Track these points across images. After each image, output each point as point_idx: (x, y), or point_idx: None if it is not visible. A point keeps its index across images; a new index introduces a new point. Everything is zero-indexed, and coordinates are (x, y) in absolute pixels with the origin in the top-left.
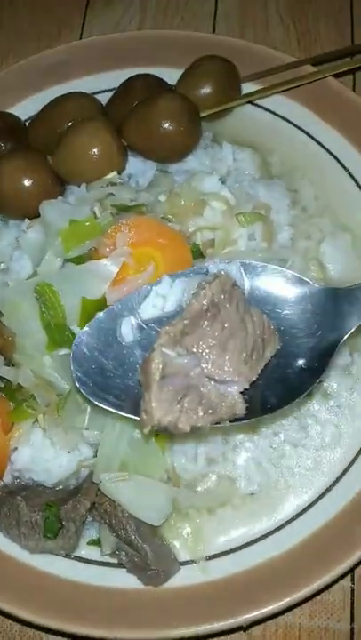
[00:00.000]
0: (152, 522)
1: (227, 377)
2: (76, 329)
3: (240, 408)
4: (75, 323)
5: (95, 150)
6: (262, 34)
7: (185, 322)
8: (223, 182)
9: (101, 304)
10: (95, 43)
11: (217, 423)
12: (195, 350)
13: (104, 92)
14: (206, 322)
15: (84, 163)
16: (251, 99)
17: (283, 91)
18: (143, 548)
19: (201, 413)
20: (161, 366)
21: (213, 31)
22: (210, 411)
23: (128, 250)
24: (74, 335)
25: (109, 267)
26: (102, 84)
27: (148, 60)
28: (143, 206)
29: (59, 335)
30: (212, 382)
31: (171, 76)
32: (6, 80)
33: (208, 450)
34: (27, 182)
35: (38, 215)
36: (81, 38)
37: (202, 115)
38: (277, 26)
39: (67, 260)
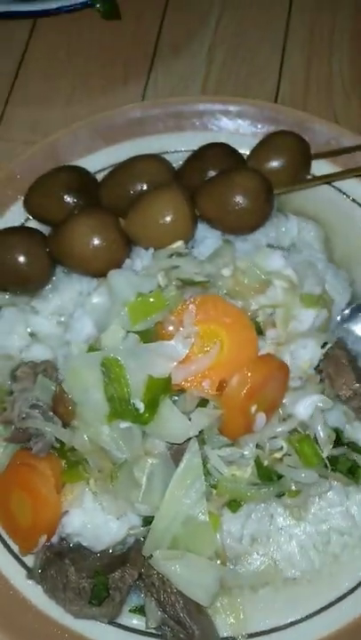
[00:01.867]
0: (202, 601)
1: None
2: (139, 404)
3: None
4: (138, 397)
5: (169, 219)
6: (325, 100)
7: None
8: (286, 258)
9: (166, 383)
10: (167, 104)
11: None
12: None
13: (173, 152)
14: None
15: (157, 229)
16: (327, 180)
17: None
18: (191, 627)
19: None
20: None
21: (278, 90)
22: None
23: (195, 329)
24: (136, 410)
25: (179, 348)
26: (172, 144)
27: (218, 126)
28: (208, 282)
29: (121, 408)
30: None
31: (240, 142)
32: (79, 132)
33: (253, 531)
34: (97, 242)
35: (104, 274)
36: (147, 85)
37: (276, 192)
38: (340, 92)
39: (129, 331)
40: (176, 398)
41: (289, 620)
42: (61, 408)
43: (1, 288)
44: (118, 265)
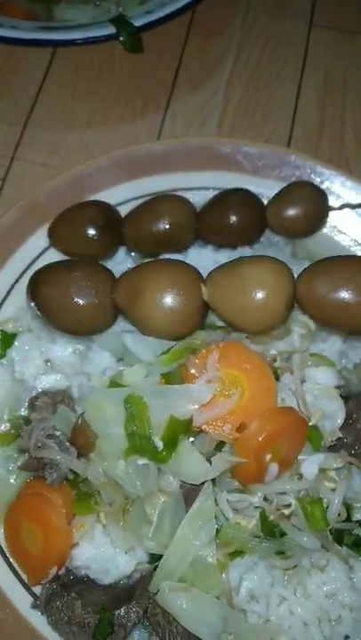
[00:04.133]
0: (206, 638)
1: None
2: (158, 442)
3: None
4: (157, 436)
5: (269, 310)
6: (338, 147)
7: None
8: None
9: (188, 424)
10: (190, 142)
11: None
12: None
13: (192, 189)
14: None
15: (250, 315)
16: None
17: None
18: None
19: None
20: None
21: (291, 133)
22: None
23: (219, 374)
24: (155, 448)
25: (203, 392)
26: (191, 182)
27: (239, 168)
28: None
29: (140, 444)
30: None
31: (258, 185)
32: (102, 164)
33: (253, 586)
34: (175, 308)
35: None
36: (164, 118)
37: None
38: (351, 139)
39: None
40: (192, 439)
41: None
42: (82, 439)
43: (62, 329)
44: (189, 332)
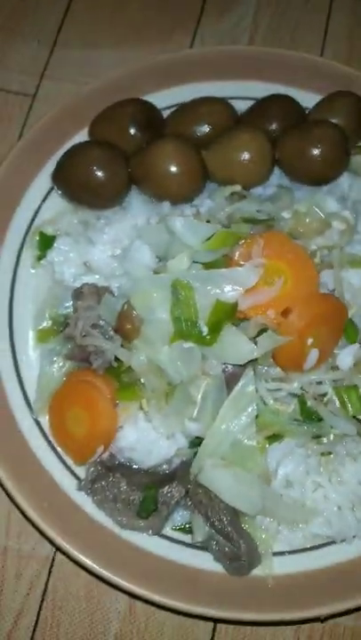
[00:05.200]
0: (248, 511)
1: None
2: (203, 327)
3: None
4: (203, 321)
5: (252, 158)
6: None
7: None
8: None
9: (233, 309)
10: (222, 51)
11: None
12: None
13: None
14: None
15: (237, 166)
16: None
17: None
18: (237, 541)
19: None
20: None
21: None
22: None
23: (263, 261)
24: (200, 332)
25: (250, 275)
26: (226, 90)
27: (275, 78)
28: (273, 220)
29: (186, 329)
30: None
31: (295, 95)
32: (142, 72)
33: (288, 472)
34: (179, 168)
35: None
36: (193, 41)
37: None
38: None
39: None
40: (235, 328)
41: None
42: (127, 325)
43: (77, 200)
44: (196, 193)
